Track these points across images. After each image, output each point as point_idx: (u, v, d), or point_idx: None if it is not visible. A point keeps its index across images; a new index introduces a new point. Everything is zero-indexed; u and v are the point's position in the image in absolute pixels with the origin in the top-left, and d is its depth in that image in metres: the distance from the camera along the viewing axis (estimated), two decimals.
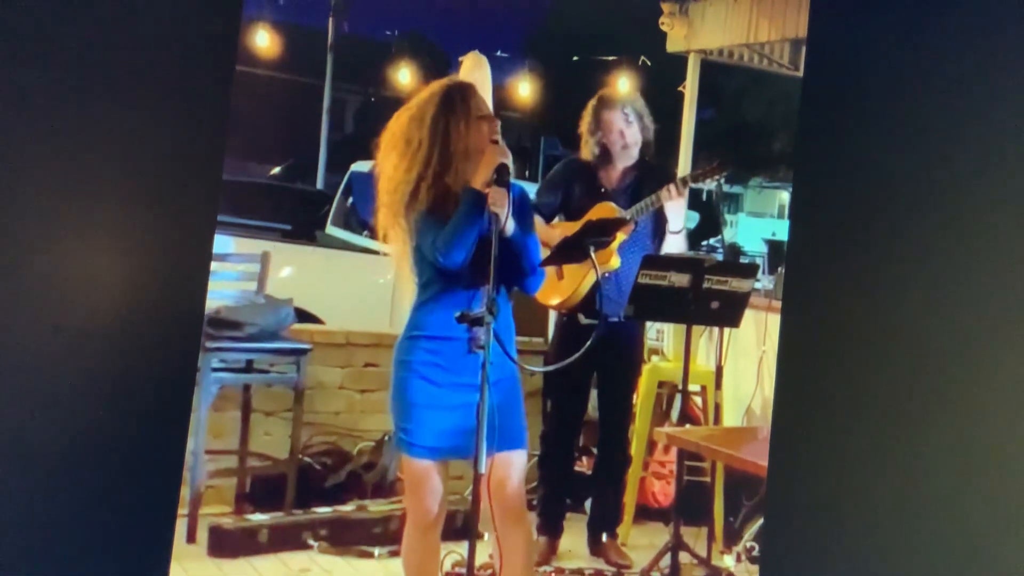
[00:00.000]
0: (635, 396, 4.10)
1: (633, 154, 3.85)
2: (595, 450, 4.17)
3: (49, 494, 1.45)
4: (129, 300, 1.49)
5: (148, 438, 1.51)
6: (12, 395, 1.41)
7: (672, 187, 3.66)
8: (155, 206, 1.50)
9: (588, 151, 3.87)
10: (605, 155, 3.85)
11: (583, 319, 3.74)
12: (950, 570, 1.40)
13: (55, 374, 1.44)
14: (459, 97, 2.67)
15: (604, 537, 3.93)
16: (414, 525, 2.73)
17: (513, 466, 2.71)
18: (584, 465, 4.39)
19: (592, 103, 3.90)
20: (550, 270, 3.58)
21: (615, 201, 3.77)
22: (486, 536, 2.85)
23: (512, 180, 2.68)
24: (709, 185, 3.84)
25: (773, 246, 13.95)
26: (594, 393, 4.01)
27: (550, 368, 3.78)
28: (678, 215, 3.76)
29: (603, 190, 3.84)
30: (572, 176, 3.91)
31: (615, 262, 3.67)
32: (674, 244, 3.80)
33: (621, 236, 3.60)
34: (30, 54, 1.39)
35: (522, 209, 2.74)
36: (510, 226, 2.60)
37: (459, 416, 2.58)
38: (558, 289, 3.77)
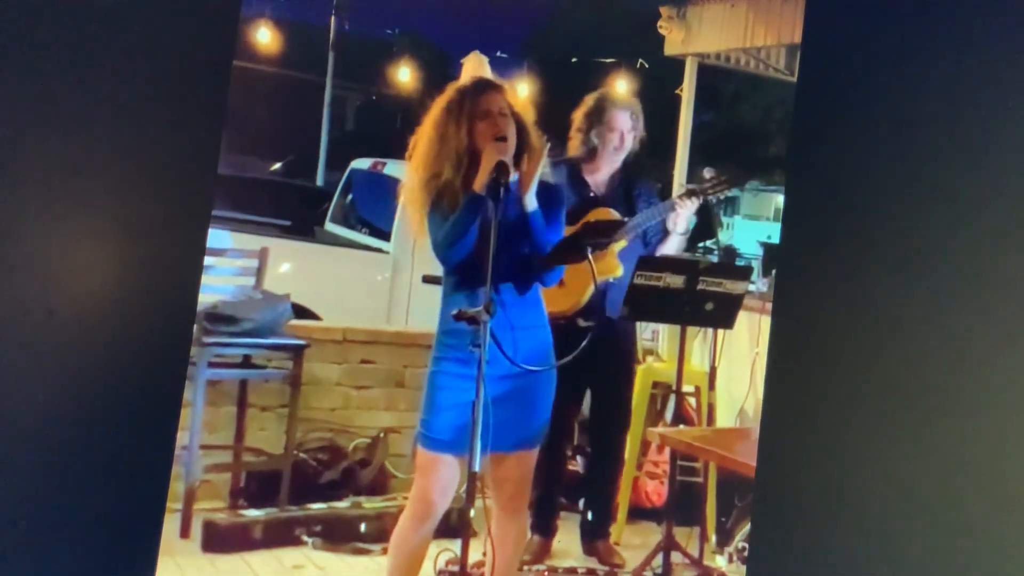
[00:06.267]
0: (631, 397, 4.11)
1: (621, 158, 3.82)
2: (589, 450, 4.18)
3: (35, 485, 1.45)
4: (121, 293, 1.49)
5: (137, 432, 1.51)
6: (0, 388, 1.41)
7: (684, 198, 3.65)
8: (150, 199, 1.50)
9: (577, 145, 3.79)
10: (593, 153, 3.79)
11: (582, 323, 3.69)
12: (941, 570, 1.41)
13: (45, 367, 1.45)
14: (457, 103, 2.70)
15: (597, 537, 3.95)
16: (412, 513, 2.73)
17: (524, 466, 2.75)
18: (578, 464, 4.41)
19: (596, 96, 3.83)
20: None
21: (609, 206, 3.73)
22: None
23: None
24: (719, 197, 3.79)
25: (768, 249, 13.93)
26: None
27: (547, 367, 3.77)
28: (687, 218, 3.75)
29: (593, 194, 3.79)
30: (559, 180, 3.78)
31: (618, 270, 3.65)
32: (675, 244, 3.80)
33: (622, 243, 3.60)
34: (25, 49, 1.40)
35: (551, 207, 2.76)
36: (531, 201, 2.65)
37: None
38: (560, 296, 3.72)
